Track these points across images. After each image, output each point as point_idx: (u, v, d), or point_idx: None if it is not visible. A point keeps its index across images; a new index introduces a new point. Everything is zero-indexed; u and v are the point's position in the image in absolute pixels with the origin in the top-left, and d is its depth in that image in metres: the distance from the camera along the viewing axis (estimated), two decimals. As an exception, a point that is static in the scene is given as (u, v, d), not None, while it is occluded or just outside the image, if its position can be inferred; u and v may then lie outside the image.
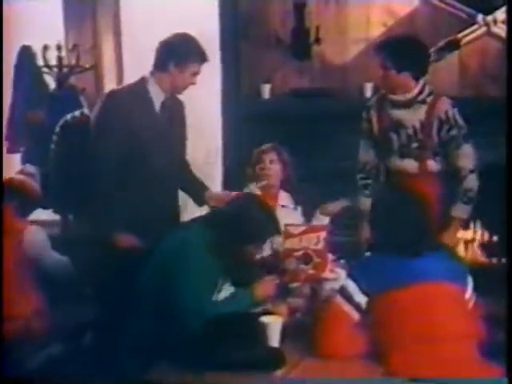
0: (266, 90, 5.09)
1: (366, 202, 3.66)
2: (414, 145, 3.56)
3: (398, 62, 3.44)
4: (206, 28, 5.18)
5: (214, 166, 5.49)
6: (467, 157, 3.52)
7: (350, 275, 2.59)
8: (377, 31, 4.93)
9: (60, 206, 5.11)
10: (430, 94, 3.52)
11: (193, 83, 3.41)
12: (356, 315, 2.52)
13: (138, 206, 3.31)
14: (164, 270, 2.76)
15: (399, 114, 3.55)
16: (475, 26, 4.78)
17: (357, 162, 3.76)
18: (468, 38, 4.80)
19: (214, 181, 5.28)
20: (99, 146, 3.33)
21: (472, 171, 3.53)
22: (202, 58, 3.37)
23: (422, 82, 3.53)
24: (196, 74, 3.38)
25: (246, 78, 5.17)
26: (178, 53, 3.34)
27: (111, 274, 3.23)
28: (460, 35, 4.80)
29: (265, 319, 2.61)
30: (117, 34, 5.67)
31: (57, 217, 5.24)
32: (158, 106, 3.41)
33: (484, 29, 4.76)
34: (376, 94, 3.74)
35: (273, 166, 3.70)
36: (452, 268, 2.57)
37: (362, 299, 2.51)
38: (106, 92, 3.60)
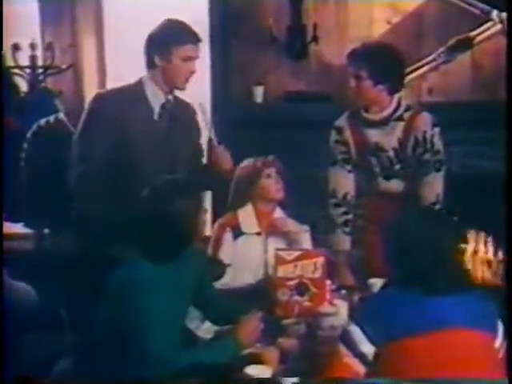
0: (259, 93, 4.89)
1: (345, 242, 3.40)
2: (397, 166, 3.32)
3: (375, 72, 3.19)
4: (195, 26, 4.84)
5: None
6: (431, 187, 3.27)
7: (354, 319, 2.19)
8: (380, 29, 4.71)
9: (33, 219, 4.84)
10: (407, 110, 3.28)
11: (192, 71, 3.05)
12: (361, 368, 2.14)
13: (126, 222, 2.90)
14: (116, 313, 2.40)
15: (375, 135, 3.31)
16: (489, 23, 4.56)
17: (330, 195, 3.46)
18: (481, 37, 4.60)
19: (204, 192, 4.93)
20: (84, 155, 3.02)
21: (432, 204, 3.23)
22: (188, 38, 3.02)
23: (397, 97, 3.30)
24: (189, 59, 3.02)
25: (237, 79, 4.98)
26: (158, 42, 3.01)
27: (90, 293, 2.80)
28: (473, 33, 4.59)
29: (250, 371, 2.27)
30: (99, 30, 5.37)
31: (30, 231, 4.96)
32: (157, 110, 3.06)
33: (499, 26, 4.52)
34: (345, 111, 3.49)
35: (271, 181, 3.36)
36: (480, 310, 2.18)
37: (368, 349, 2.13)
38: (94, 94, 3.23)
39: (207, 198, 5.01)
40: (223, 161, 3.15)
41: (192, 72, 3.04)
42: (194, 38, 3.01)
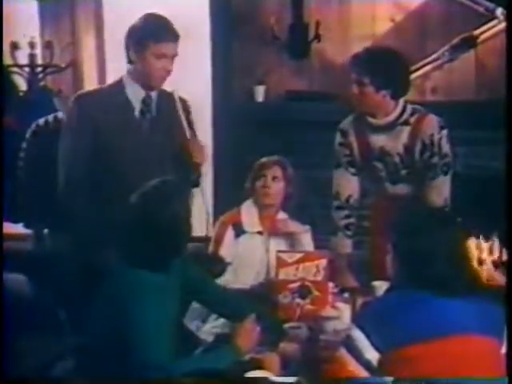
0: (260, 93, 4.87)
1: (347, 245, 3.35)
2: (404, 171, 3.27)
3: (377, 78, 3.13)
4: (196, 24, 4.96)
5: (204, 177, 5.06)
6: (439, 191, 3.22)
7: (357, 324, 2.13)
8: (383, 27, 4.67)
9: (33, 219, 4.79)
10: (412, 114, 3.23)
11: (167, 70, 2.91)
12: (366, 375, 2.07)
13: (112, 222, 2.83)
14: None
15: (381, 140, 3.26)
16: (494, 22, 4.50)
17: (334, 197, 3.40)
18: (486, 35, 4.53)
19: (204, 194, 4.88)
20: (68, 156, 2.94)
21: (440, 208, 3.17)
22: (165, 35, 2.87)
23: (402, 101, 3.23)
24: (164, 56, 2.88)
25: (238, 78, 4.94)
26: (135, 38, 2.89)
27: (90, 295, 2.74)
28: (477, 31, 4.53)
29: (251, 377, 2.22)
30: (98, 29, 5.33)
31: (30, 231, 4.91)
32: (138, 107, 2.96)
33: (504, 24, 4.44)
34: (348, 111, 3.44)
35: (276, 184, 3.32)
36: (488, 315, 2.13)
37: (372, 355, 2.07)
38: (75, 95, 3.13)
39: (208, 195, 5.00)
40: (197, 154, 2.97)
41: (167, 71, 2.91)
42: (171, 36, 2.88)
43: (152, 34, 2.85)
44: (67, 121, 3.03)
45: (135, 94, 2.95)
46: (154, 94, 2.99)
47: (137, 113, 2.97)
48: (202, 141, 3.06)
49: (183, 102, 3.06)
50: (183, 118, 2.99)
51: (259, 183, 3.32)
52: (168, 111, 3.01)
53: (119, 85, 2.98)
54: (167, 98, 3.01)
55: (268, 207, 3.34)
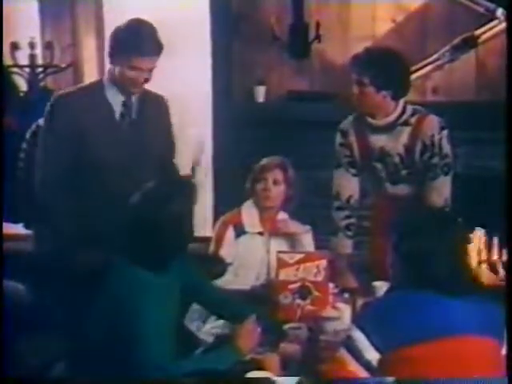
0: (261, 93, 4.83)
1: (347, 245, 3.35)
2: (404, 172, 3.27)
3: (378, 78, 3.13)
4: (196, 24, 4.95)
5: (204, 178, 5.10)
6: (439, 192, 3.22)
7: (358, 324, 2.13)
8: (384, 28, 4.62)
9: (33, 219, 4.73)
10: (413, 114, 3.23)
11: (146, 79, 2.89)
12: (366, 375, 2.07)
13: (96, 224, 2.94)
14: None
15: (381, 140, 3.26)
16: (494, 22, 4.46)
17: (334, 198, 3.40)
18: (486, 35, 4.50)
19: (204, 195, 4.93)
20: (47, 157, 2.96)
21: (440, 208, 3.15)
22: (145, 50, 2.84)
23: (402, 101, 3.23)
24: (141, 70, 2.86)
25: (239, 79, 4.91)
26: (116, 42, 2.89)
27: (90, 296, 2.74)
28: (477, 32, 4.49)
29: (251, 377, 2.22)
30: (99, 29, 5.30)
31: (30, 231, 4.87)
32: (118, 110, 2.95)
33: (504, 24, 4.41)
34: (348, 111, 3.45)
35: (277, 187, 3.31)
36: (488, 316, 2.12)
37: (373, 356, 2.07)
38: (55, 95, 3.13)
39: (208, 196, 5.00)
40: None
41: (146, 80, 2.90)
42: (154, 49, 2.85)
43: (134, 47, 2.82)
44: (46, 122, 3.03)
45: (115, 96, 2.94)
46: (134, 97, 2.98)
47: (117, 114, 2.96)
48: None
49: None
50: (171, 123, 3.02)
51: (260, 186, 3.31)
52: (152, 114, 3.01)
53: (99, 86, 2.97)
54: (153, 100, 3.02)
55: (268, 209, 3.33)
